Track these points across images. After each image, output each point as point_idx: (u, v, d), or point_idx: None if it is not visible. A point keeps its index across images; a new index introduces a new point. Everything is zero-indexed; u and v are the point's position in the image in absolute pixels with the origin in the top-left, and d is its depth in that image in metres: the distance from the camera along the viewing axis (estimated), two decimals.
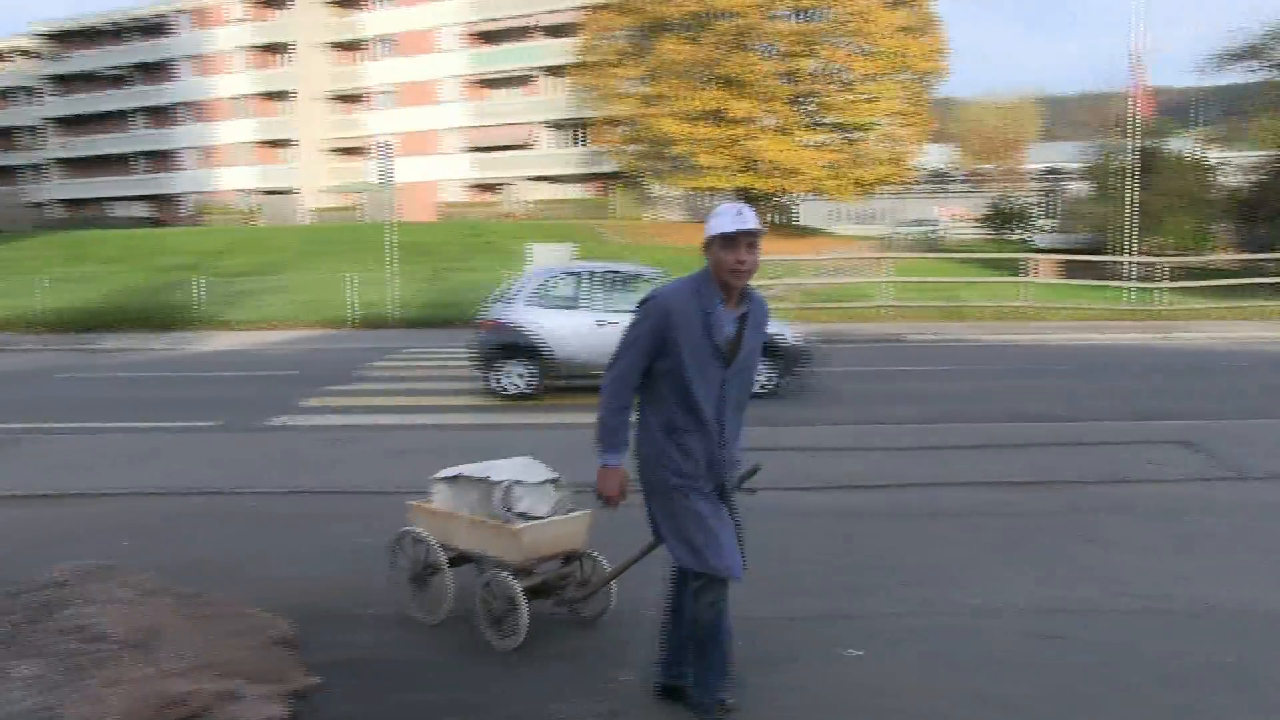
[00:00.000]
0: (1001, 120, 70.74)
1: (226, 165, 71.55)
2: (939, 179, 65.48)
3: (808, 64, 44.59)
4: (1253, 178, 35.57)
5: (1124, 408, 12.39)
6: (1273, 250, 28.93)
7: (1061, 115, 73.32)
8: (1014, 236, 46.52)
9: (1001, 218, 50.03)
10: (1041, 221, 49.62)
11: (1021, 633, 5.36)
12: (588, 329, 13.29)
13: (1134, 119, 28.33)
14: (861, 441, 10.48)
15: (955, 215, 56.98)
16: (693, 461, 4.09)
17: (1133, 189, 27.72)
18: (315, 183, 67.95)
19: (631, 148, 48.32)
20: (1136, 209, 27.73)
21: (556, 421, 12.08)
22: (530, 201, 59.76)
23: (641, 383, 4.13)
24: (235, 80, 70.60)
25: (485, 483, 5.24)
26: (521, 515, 5.15)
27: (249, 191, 68.87)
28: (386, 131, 57.58)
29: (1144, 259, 26.93)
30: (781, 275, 26.96)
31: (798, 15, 45.71)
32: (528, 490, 5.23)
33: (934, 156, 64.27)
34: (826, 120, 46.27)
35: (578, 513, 5.31)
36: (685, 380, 4.01)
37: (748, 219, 3.95)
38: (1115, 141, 33.10)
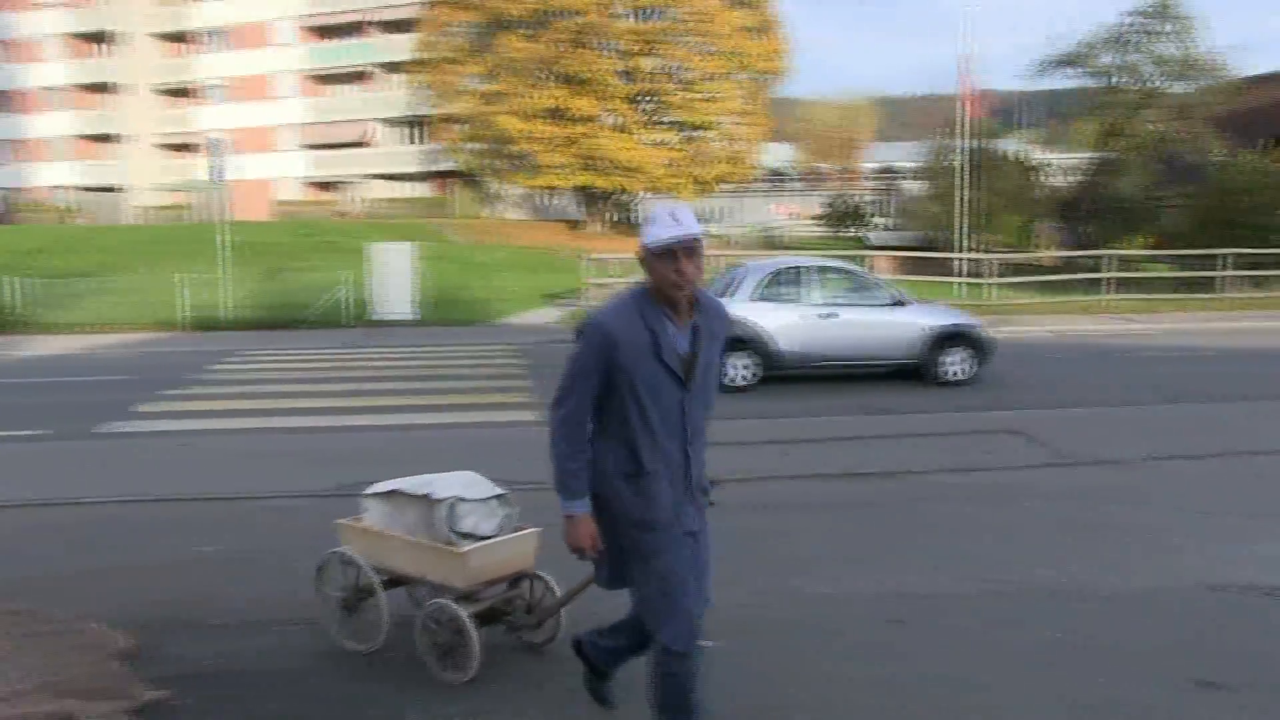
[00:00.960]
0: (839, 120, 72.52)
1: (42, 160, 68.08)
2: (778, 177, 66.71)
3: (648, 63, 44.88)
4: (1074, 178, 37.31)
5: (958, 400, 12.81)
6: (1093, 247, 30.37)
7: (897, 116, 75.70)
8: (851, 234, 47.73)
9: (838, 216, 51.23)
10: (877, 219, 51.02)
11: (872, 619, 5.49)
12: (810, 322, 13.98)
13: (964, 121, 29.38)
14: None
15: (793, 213, 58.15)
16: (658, 507, 3.63)
17: (964, 188, 28.74)
18: (144, 180, 65.33)
19: (471, 146, 47.88)
20: (967, 207, 28.76)
21: (406, 422, 11.88)
22: (369, 200, 58.68)
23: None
24: (50, 70, 67.13)
25: (425, 500, 4.79)
26: (466, 535, 4.76)
27: (67, 188, 65.70)
28: (219, 127, 55.69)
29: (975, 255, 27.95)
30: (622, 274, 27.09)
31: (638, 14, 45.95)
32: (472, 507, 4.82)
33: (773, 155, 65.45)
34: (667, 119, 46.66)
35: (526, 530, 4.95)
36: (641, 413, 3.56)
37: (684, 223, 3.46)
38: (947, 142, 34.30)
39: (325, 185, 62.52)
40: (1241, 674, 4.80)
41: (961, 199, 28.66)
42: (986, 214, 31.74)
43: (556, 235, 45.32)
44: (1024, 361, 16.64)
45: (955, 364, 14.15)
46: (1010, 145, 40.01)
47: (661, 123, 46.76)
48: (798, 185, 65.55)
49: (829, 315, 13.96)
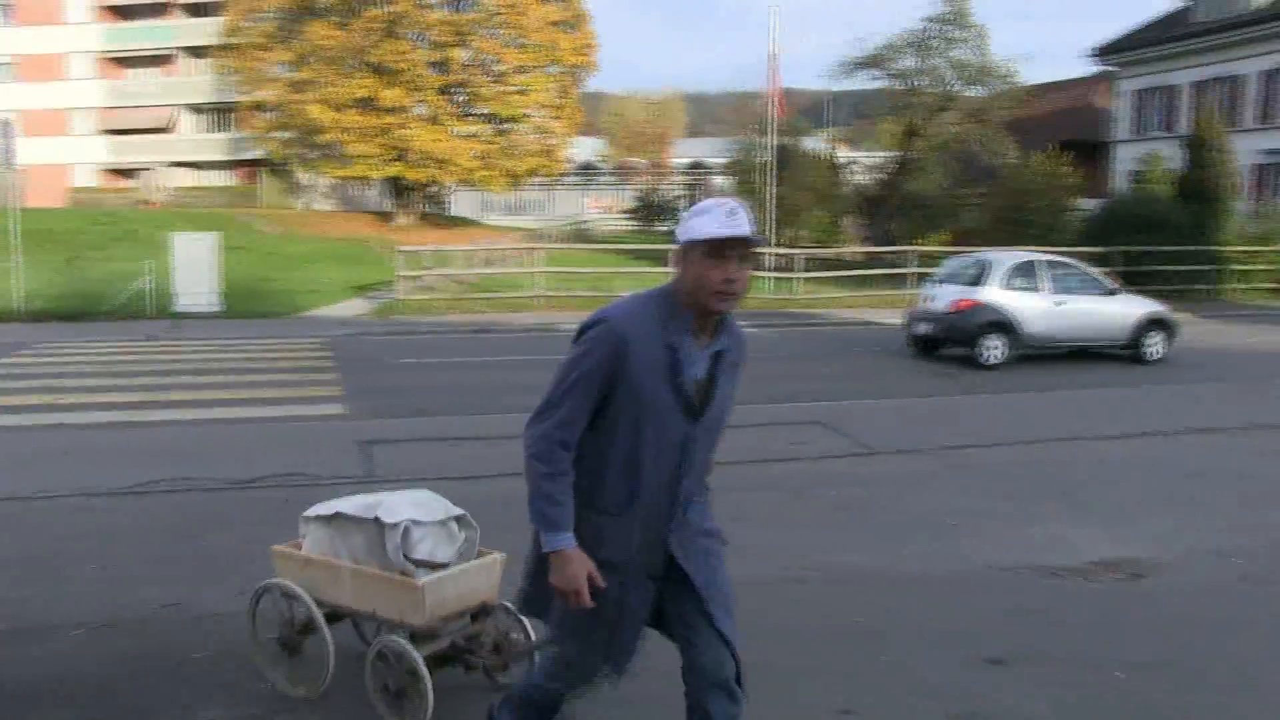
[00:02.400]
0: (650, 115, 73.23)
1: None
2: (589, 171, 66.92)
3: (459, 54, 44.32)
4: (876, 176, 38.59)
5: (764, 391, 13.04)
6: (897, 243, 31.44)
7: (707, 112, 76.90)
8: (661, 228, 48.20)
9: (649, 210, 51.70)
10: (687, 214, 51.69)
11: None
12: (1048, 308, 15.91)
13: (771, 118, 29.98)
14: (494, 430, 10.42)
15: (604, 207, 58.39)
16: (617, 548, 3.07)
17: (771, 184, 29.34)
18: None
19: (279, 134, 46.37)
20: (775, 203, 29.37)
21: (204, 417, 11.37)
22: (172, 188, 56.20)
23: None
24: None
25: (374, 524, 4.18)
26: (421, 563, 4.16)
27: None
28: (7, 108, 52.41)
29: (781, 251, 28.57)
30: (433, 265, 26.65)
31: (450, 5, 45.33)
32: (428, 531, 4.20)
33: (584, 149, 65.60)
34: (478, 111, 46.19)
35: (489, 556, 4.37)
36: (633, 444, 2.98)
37: (741, 221, 2.87)
38: (755, 139, 34.96)
39: (124, 172, 59.57)
40: (1026, 650, 4.99)
41: (769, 195, 29.24)
42: (794, 210, 32.49)
43: (367, 227, 44.35)
44: (831, 354, 17.05)
45: (1156, 345, 16.57)
46: (817, 143, 41.11)
47: (473, 115, 46.25)
48: (609, 179, 65.89)
49: (1060, 303, 16.01)
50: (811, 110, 49.94)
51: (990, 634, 5.21)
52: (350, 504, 4.34)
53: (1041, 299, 15.88)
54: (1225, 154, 29.87)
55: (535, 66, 45.32)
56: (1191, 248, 27.41)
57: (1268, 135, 37.89)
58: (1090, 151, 41.60)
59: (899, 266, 27.46)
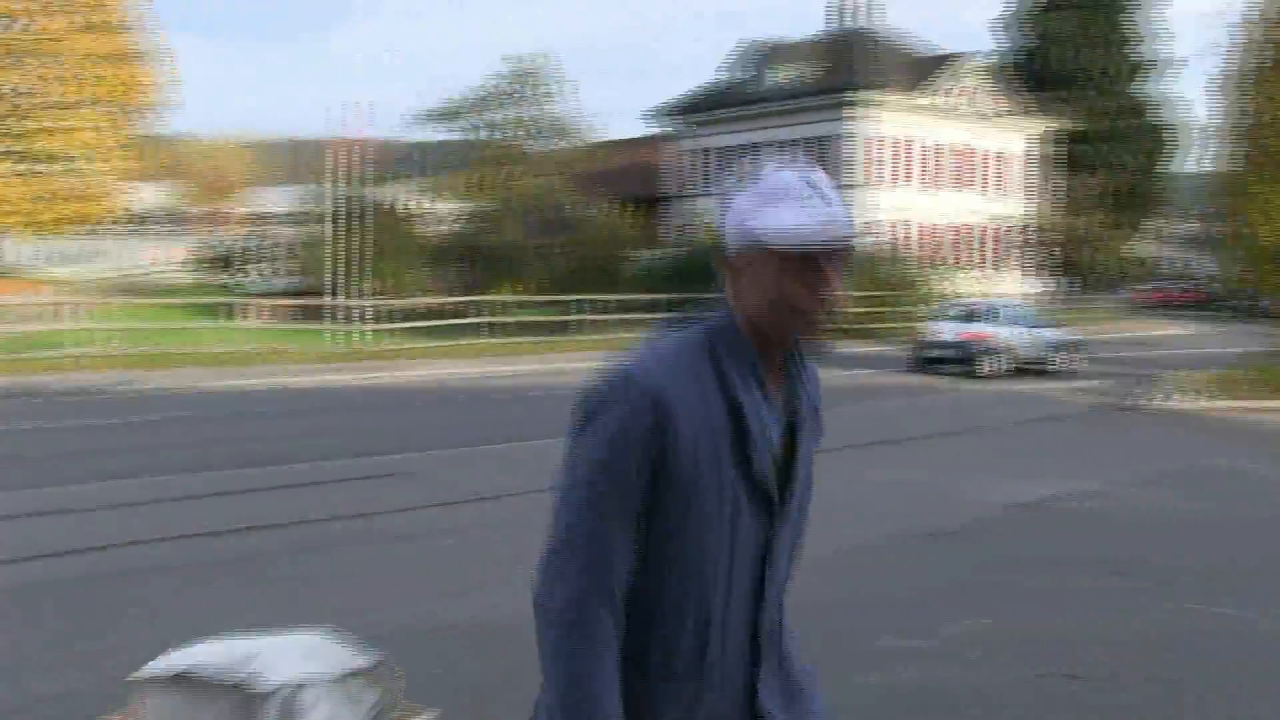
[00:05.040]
0: (221, 161, 69.92)
1: None
2: (151, 219, 62.75)
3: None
4: (455, 226, 38.80)
5: (346, 446, 12.58)
6: (472, 294, 31.67)
7: (281, 159, 74.37)
8: (229, 280, 45.94)
9: (217, 260, 49.15)
10: (258, 265, 49.67)
11: None
12: (1021, 335, 23.69)
13: (346, 167, 29.39)
14: (66, 504, 9.40)
15: (167, 258, 54.95)
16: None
17: (346, 235, 28.71)
18: None
19: None
20: (352, 254, 28.74)
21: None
22: None
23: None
24: None
25: (241, 690, 2.76)
26: None
27: None
28: None
29: (358, 302, 27.98)
30: None
31: None
32: (323, 694, 2.82)
33: (147, 195, 61.50)
34: (16, 149, 42.07)
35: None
36: (687, 566, 1.89)
37: (833, 204, 1.88)
38: (331, 187, 34.12)
39: None
40: None
41: (342, 246, 28.61)
42: (368, 261, 31.97)
43: None
44: (407, 406, 16.79)
45: (1061, 360, 24.02)
46: (392, 193, 40.78)
47: (11, 152, 42.05)
48: (170, 227, 62.11)
49: (1029, 332, 23.71)
50: (391, 159, 49.57)
51: None
52: (208, 658, 2.89)
53: (1030, 330, 23.78)
54: None
55: (86, 103, 41.88)
56: None
57: None
58: (654, 205, 44.19)
59: (473, 317, 27.65)
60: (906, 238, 41.00)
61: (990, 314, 23.61)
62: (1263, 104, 21.69)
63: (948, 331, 23.00)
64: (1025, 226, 47.55)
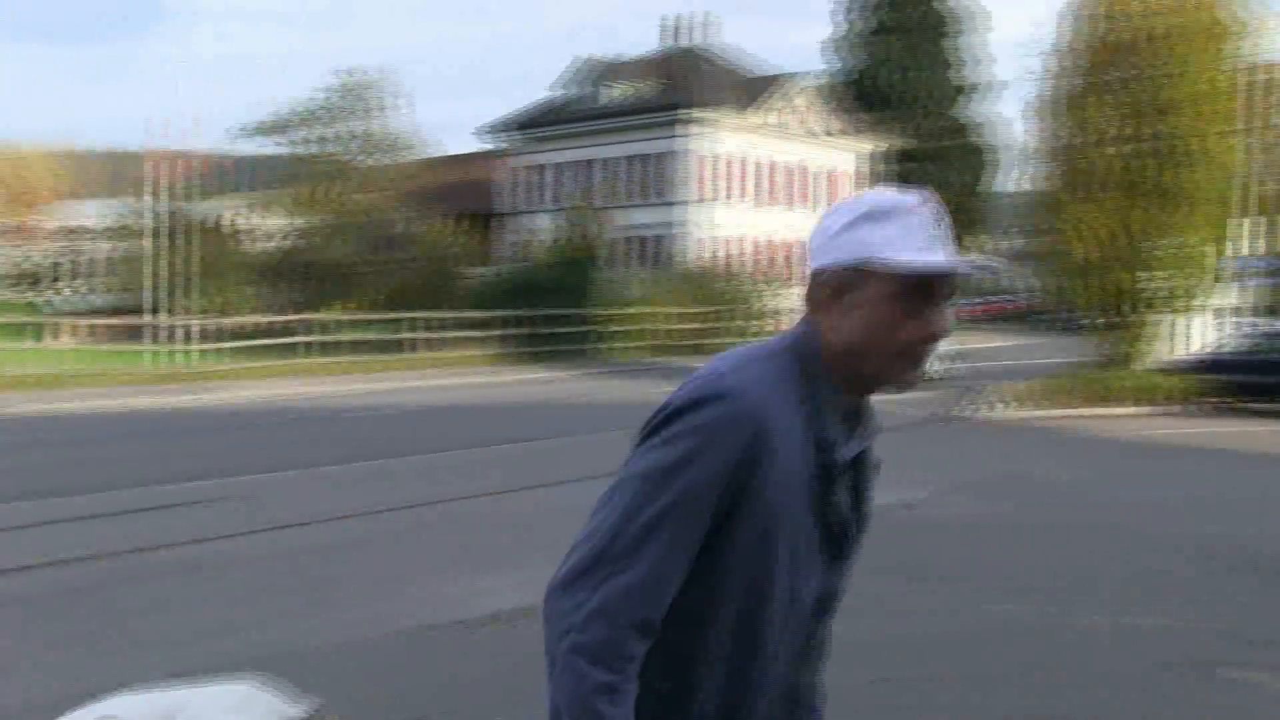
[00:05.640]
0: (29, 171, 66.46)
1: None
2: None
3: None
4: (284, 243, 37.76)
5: (169, 470, 12.09)
6: (303, 312, 30.87)
7: (98, 171, 71.18)
8: (37, 298, 43.78)
9: (24, 277, 46.76)
10: (71, 282, 47.46)
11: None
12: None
13: (171, 180, 28.34)
14: None
15: None
16: None
17: (170, 250, 27.67)
18: None
19: None
20: (175, 271, 27.71)
21: None
22: None
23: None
24: None
25: None
26: None
27: None
28: None
29: (182, 321, 26.97)
30: None
31: None
32: None
33: None
34: None
35: None
36: (753, 607, 1.71)
37: (947, 236, 1.76)
38: (151, 201, 32.83)
39: None
40: (444, 705, 4.91)
41: (165, 262, 27.57)
42: (190, 278, 30.89)
43: None
44: (234, 427, 16.25)
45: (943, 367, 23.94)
46: (218, 208, 39.48)
47: None
48: None
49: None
50: (215, 173, 47.97)
51: (407, 690, 5.07)
52: (126, 713, 2.58)
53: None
54: (602, 227, 32.83)
55: None
56: (576, 311, 29.70)
57: (636, 212, 42.31)
58: (488, 221, 43.95)
59: (304, 335, 26.98)
60: (740, 254, 41.75)
61: None
62: (1074, 127, 22.87)
63: None
64: None
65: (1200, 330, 25.95)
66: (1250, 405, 19.93)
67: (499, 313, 28.45)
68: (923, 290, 1.69)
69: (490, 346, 28.69)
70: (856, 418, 1.79)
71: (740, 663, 1.71)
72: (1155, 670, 5.91)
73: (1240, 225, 24.44)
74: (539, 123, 46.93)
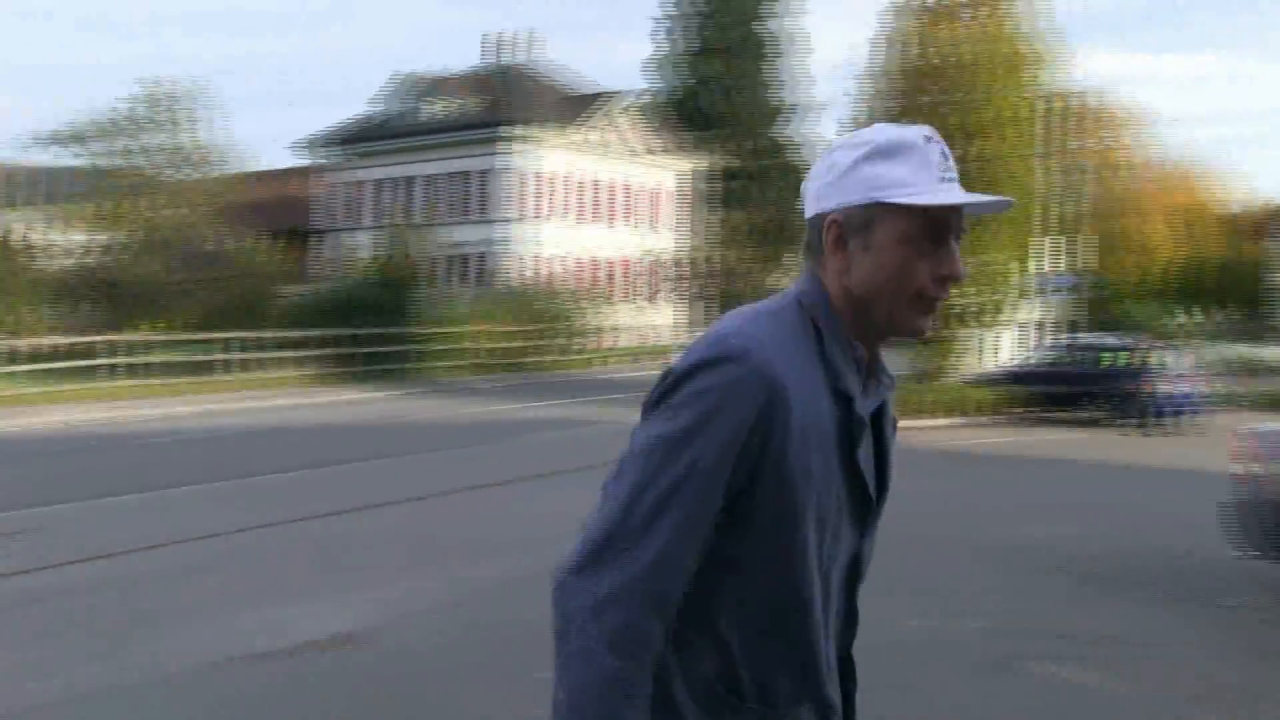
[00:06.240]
0: None
1: None
2: None
3: None
4: (86, 260, 35.94)
5: None
6: (106, 332, 29.47)
7: None
8: None
9: None
10: None
11: None
12: None
13: None
14: None
15: None
16: None
17: None
18: None
19: None
20: None
21: None
22: None
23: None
24: None
25: None
26: None
27: None
28: None
29: None
30: None
31: None
32: None
33: None
34: None
35: None
36: (791, 579, 1.62)
37: (953, 173, 1.65)
38: None
39: None
40: None
41: None
42: None
43: None
44: (27, 455, 15.41)
45: None
46: (8, 221, 37.37)
47: None
48: None
49: None
50: (13, 186, 45.41)
51: None
52: None
53: None
54: (421, 244, 32.44)
55: None
56: (395, 330, 29.22)
57: (456, 229, 41.98)
58: (305, 238, 42.91)
59: (106, 356, 25.79)
60: (564, 272, 41.80)
61: None
62: None
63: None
64: (679, 261, 49.65)
65: (1009, 344, 27.29)
66: (1053, 414, 21.05)
67: (317, 332, 27.76)
68: (937, 230, 1.61)
69: (308, 367, 27.96)
70: (870, 371, 1.69)
71: (780, 638, 1.63)
72: (967, 670, 6.15)
73: (1043, 244, 25.72)
74: (359, 138, 46.14)
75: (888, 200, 1.59)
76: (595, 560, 1.53)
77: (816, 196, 1.67)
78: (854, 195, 1.61)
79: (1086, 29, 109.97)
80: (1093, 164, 40.03)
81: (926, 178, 1.59)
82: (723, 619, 1.61)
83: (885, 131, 1.64)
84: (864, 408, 1.65)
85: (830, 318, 1.64)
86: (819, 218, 1.65)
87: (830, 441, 1.59)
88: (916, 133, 1.63)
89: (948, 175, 1.61)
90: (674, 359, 1.60)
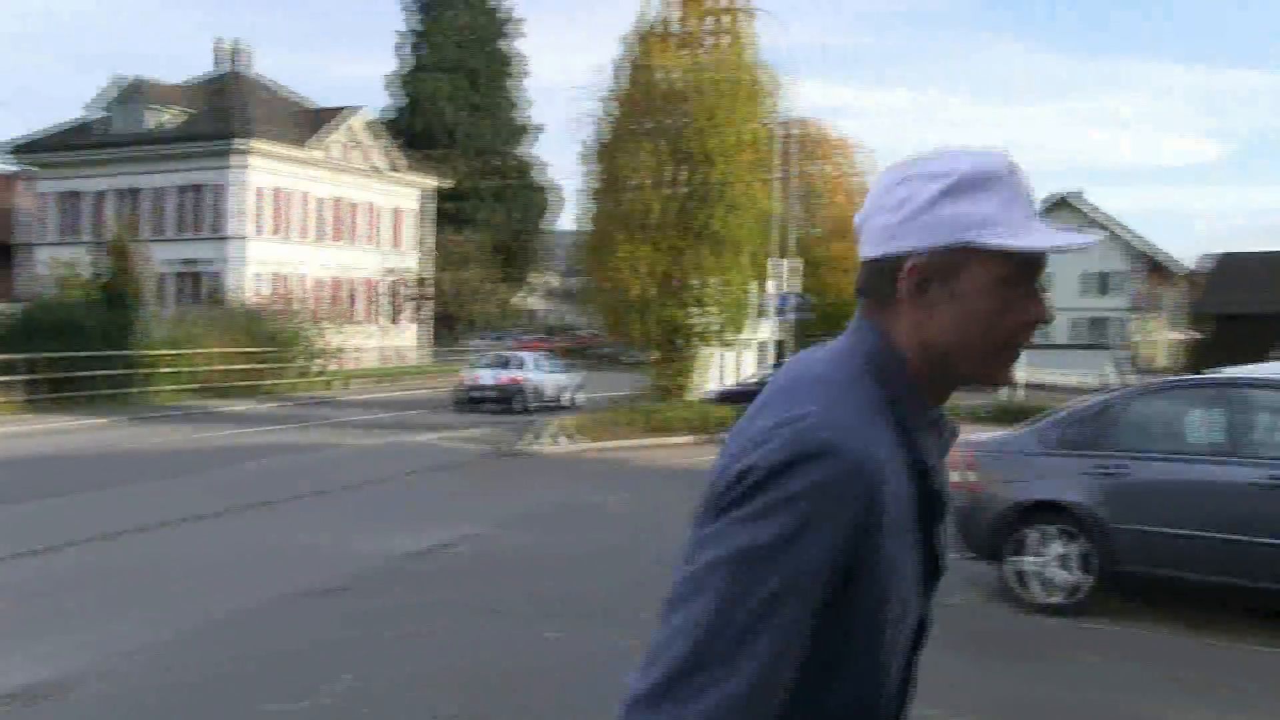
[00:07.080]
0: None
1: None
2: None
3: None
4: None
5: None
6: None
7: None
8: None
9: None
10: None
11: None
12: (553, 378, 29.51)
13: None
14: None
15: None
16: None
17: None
18: None
19: None
20: None
21: None
22: None
23: None
24: None
25: None
26: None
27: None
28: None
29: None
30: None
31: None
32: None
33: None
34: None
35: None
36: (876, 657, 1.40)
37: (1037, 204, 1.56)
38: None
39: None
40: None
41: None
42: None
43: None
44: None
45: (574, 396, 29.16)
46: None
47: None
48: None
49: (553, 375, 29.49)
50: None
51: None
52: None
53: (549, 374, 28.57)
54: (144, 261, 30.56)
55: None
56: (116, 353, 27.32)
57: (184, 245, 39.90)
58: (7, 253, 39.78)
59: None
60: (301, 291, 39.99)
61: (520, 363, 28.34)
62: (623, 170, 23.95)
63: (487, 376, 27.50)
64: (421, 280, 48.87)
65: (751, 362, 28.07)
66: None
67: (23, 356, 25.56)
68: (1033, 272, 1.43)
69: (14, 393, 25.68)
70: (938, 427, 1.51)
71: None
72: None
73: (779, 265, 26.56)
74: (72, 145, 43.08)
75: (981, 244, 1.40)
76: (676, 690, 1.27)
77: (886, 236, 1.44)
78: (939, 237, 1.41)
79: (793, 63, 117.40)
80: (824, 189, 41.99)
81: (1019, 215, 1.41)
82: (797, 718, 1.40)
83: (967, 159, 1.44)
84: (942, 481, 1.49)
85: (910, 382, 1.45)
86: (891, 260, 1.44)
87: (911, 520, 1.41)
88: (1001, 161, 1.44)
89: (1035, 208, 1.45)
90: (748, 454, 1.35)
